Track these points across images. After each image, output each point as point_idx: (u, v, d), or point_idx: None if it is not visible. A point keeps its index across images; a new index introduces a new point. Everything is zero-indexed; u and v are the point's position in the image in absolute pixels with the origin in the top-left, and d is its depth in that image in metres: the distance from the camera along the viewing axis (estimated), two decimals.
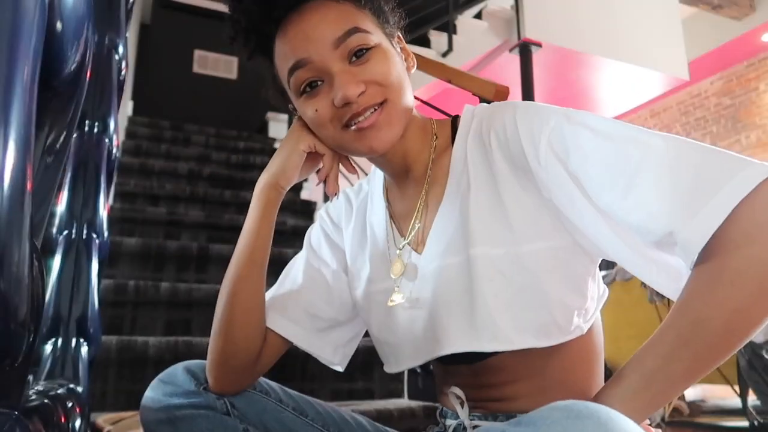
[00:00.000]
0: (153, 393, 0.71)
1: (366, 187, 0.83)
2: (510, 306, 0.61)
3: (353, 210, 0.82)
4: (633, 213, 0.52)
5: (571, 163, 0.57)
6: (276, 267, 2.47)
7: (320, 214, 0.85)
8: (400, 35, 0.71)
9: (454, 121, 0.72)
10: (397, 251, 0.71)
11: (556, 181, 0.58)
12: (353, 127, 0.64)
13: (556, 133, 0.58)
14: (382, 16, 0.68)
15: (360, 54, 0.63)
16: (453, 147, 0.68)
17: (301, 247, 0.84)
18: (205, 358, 0.74)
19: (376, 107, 0.63)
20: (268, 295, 0.78)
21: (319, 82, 0.64)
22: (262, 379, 0.76)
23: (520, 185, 0.61)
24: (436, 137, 0.71)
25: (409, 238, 0.71)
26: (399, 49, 0.69)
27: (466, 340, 0.63)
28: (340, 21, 0.63)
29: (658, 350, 0.50)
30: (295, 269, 0.81)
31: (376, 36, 0.64)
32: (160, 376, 0.73)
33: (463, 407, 0.66)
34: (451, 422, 0.70)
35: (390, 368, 0.74)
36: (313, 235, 0.83)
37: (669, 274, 0.56)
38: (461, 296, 0.64)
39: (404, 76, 0.66)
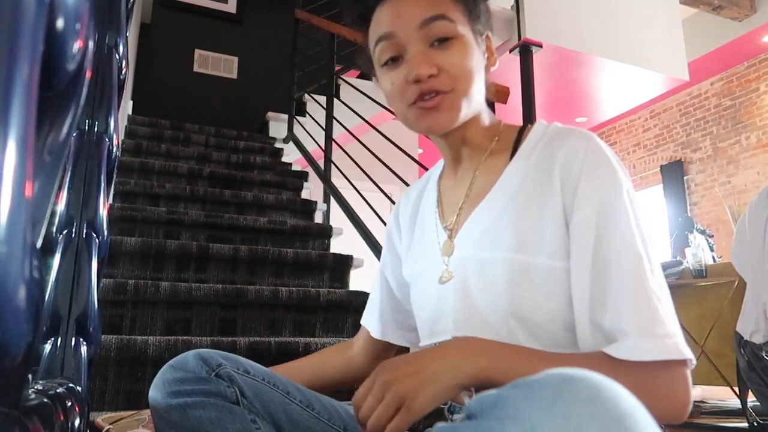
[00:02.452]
0: (163, 378, 0.72)
1: (427, 177, 0.91)
2: (520, 311, 0.66)
3: (410, 203, 0.90)
4: (608, 307, 0.60)
5: (602, 241, 0.61)
6: (276, 266, 2.46)
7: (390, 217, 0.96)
8: (489, 35, 0.75)
9: (523, 129, 0.76)
10: (447, 233, 0.77)
11: (583, 233, 0.63)
12: (418, 105, 0.69)
13: (607, 203, 0.62)
14: (474, 11, 0.72)
15: (442, 41, 0.68)
16: (515, 154, 0.72)
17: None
18: None
19: (443, 93, 0.68)
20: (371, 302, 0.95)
21: (399, 58, 0.70)
22: (271, 371, 0.77)
23: (560, 207, 0.65)
24: (498, 139, 0.76)
25: (449, 222, 0.77)
26: (484, 47, 0.74)
27: (461, 330, 0.70)
28: (432, 5, 0.68)
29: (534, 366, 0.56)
30: (376, 282, 0.96)
31: (461, 27, 0.69)
32: (171, 361, 0.73)
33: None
34: (458, 417, 0.71)
35: (423, 341, 0.80)
36: (384, 244, 0.95)
37: (596, 341, 0.61)
38: (477, 289, 0.69)
39: (478, 72, 0.71)
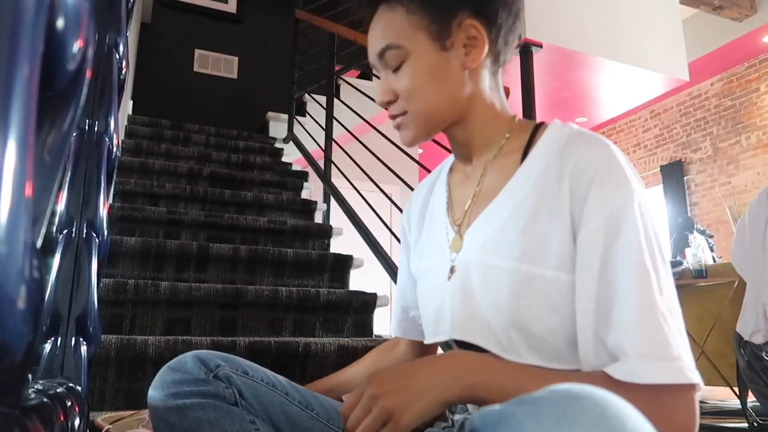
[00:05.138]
0: (162, 380, 0.72)
1: (438, 171, 0.90)
2: (525, 322, 0.64)
3: (421, 197, 0.90)
4: (612, 325, 0.58)
5: (610, 257, 0.59)
6: (276, 266, 2.46)
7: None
8: (476, 22, 0.71)
9: (536, 128, 0.74)
10: (455, 229, 0.76)
11: (591, 247, 0.61)
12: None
13: (616, 217, 0.60)
14: (437, 14, 0.70)
15: (393, 67, 0.73)
16: (528, 155, 0.70)
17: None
18: None
19: (400, 115, 0.74)
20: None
21: None
22: (270, 372, 0.78)
23: (568, 218, 0.64)
24: (509, 137, 0.75)
25: (457, 218, 0.76)
26: (460, 44, 0.71)
27: (459, 333, 0.69)
28: (382, 36, 0.73)
29: (526, 382, 0.55)
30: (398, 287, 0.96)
31: (413, 45, 0.71)
32: (170, 363, 0.74)
33: None
34: (459, 417, 0.71)
35: (427, 339, 0.79)
36: (401, 247, 0.95)
37: (599, 357, 0.59)
38: (480, 294, 0.68)
39: (439, 83, 0.71)
